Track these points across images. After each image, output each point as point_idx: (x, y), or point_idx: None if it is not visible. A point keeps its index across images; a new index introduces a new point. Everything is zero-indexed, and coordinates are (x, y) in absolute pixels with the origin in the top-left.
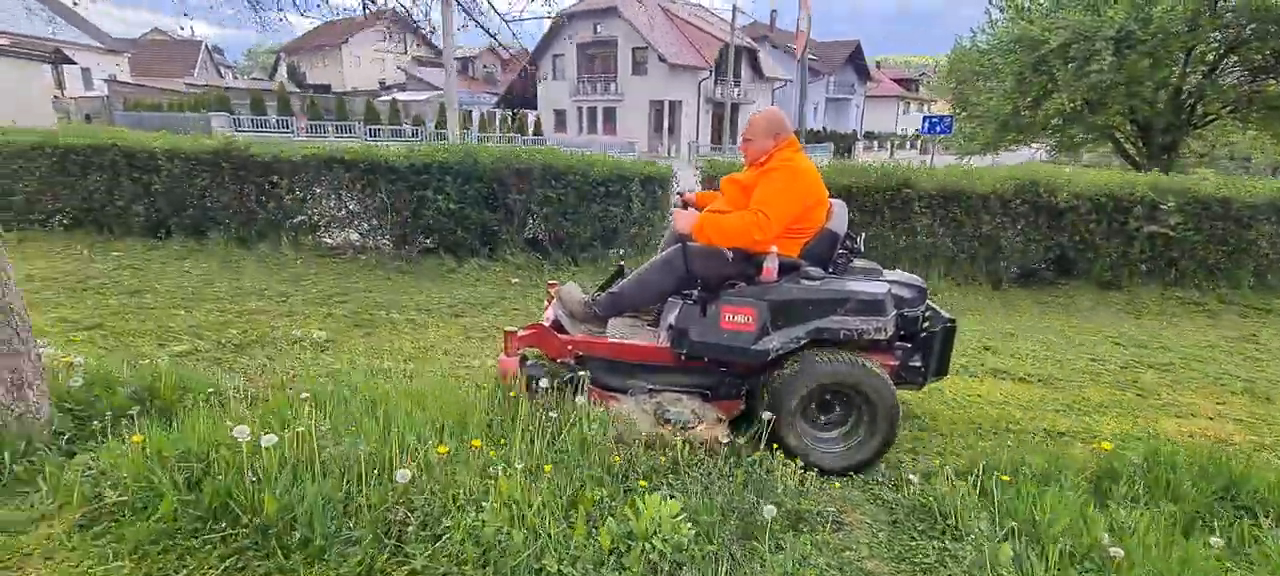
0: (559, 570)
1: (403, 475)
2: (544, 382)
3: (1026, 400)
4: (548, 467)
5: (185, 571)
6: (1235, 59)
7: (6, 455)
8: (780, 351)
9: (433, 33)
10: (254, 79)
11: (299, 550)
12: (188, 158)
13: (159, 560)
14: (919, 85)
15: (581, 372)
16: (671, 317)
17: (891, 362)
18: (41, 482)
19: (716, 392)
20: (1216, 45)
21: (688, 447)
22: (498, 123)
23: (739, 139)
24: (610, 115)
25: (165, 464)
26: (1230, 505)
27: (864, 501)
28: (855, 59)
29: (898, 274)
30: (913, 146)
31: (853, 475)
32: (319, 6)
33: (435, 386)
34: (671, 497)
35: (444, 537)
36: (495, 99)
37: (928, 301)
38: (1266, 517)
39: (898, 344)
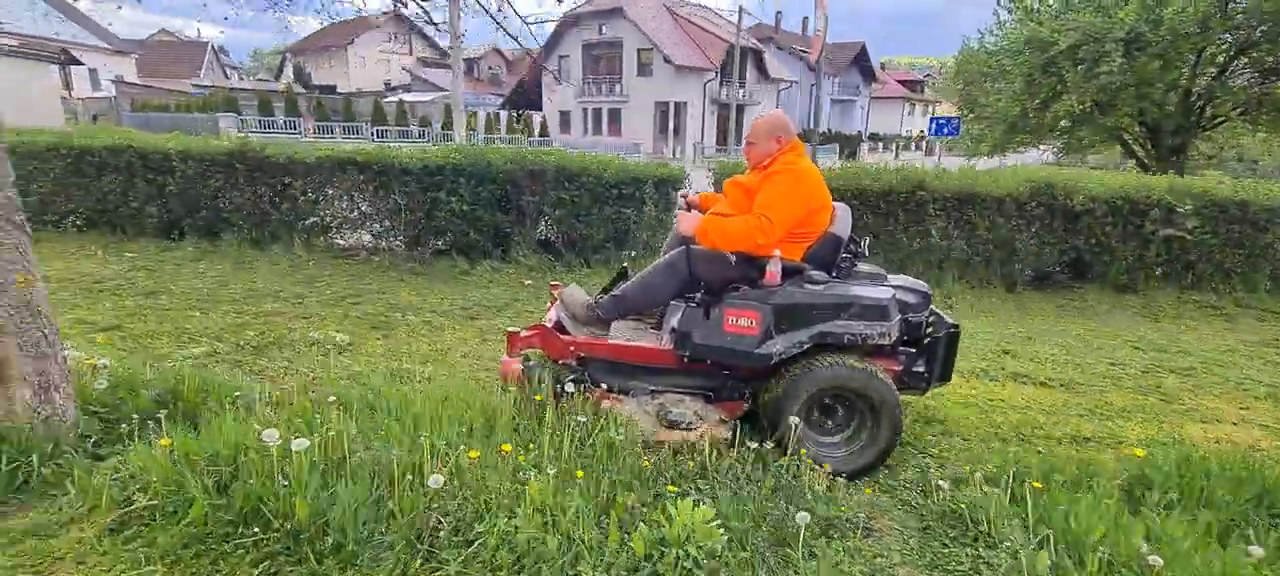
0: None
1: (435, 480)
2: (570, 387)
3: (1049, 405)
4: (580, 473)
5: None
6: (1246, 61)
7: (35, 458)
8: (784, 355)
9: (442, 31)
10: (260, 80)
11: (332, 555)
12: (202, 159)
13: (191, 564)
14: (924, 87)
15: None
16: (675, 320)
17: (895, 367)
18: (70, 486)
19: (719, 394)
20: (1227, 47)
21: (716, 453)
22: (504, 123)
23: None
24: (615, 116)
25: (194, 467)
26: (1265, 513)
27: (892, 507)
28: (860, 60)
29: (902, 278)
30: (918, 148)
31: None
32: (344, 6)
33: (459, 389)
34: (702, 503)
35: (477, 543)
36: (500, 100)
37: (931, 306)
38: None
39: (901, 349)
